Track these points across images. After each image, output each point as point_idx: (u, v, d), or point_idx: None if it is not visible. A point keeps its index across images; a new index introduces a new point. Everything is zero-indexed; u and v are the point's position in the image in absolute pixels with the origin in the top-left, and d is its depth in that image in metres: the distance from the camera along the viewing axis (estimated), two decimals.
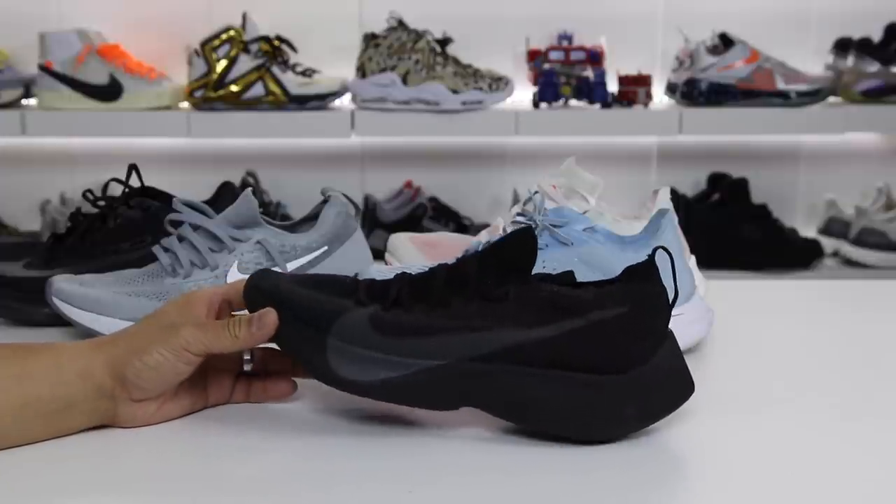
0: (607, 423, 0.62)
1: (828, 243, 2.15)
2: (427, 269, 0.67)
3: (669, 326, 0.64)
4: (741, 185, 2.14)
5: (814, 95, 2.03)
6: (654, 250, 0.64)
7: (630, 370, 0.62)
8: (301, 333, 0.63)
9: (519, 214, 0.80)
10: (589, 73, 2.02)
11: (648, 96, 2.04)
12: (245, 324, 0.63)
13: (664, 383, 0.63)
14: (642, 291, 0.63)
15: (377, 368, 0.62)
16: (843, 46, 2.13)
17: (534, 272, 0.76)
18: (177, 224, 0.84)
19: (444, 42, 2.02)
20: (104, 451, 0.62)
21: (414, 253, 0.91)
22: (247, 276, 0.67)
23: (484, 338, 0.61)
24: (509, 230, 0.78)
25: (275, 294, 0.64)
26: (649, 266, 0.64)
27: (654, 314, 0.63)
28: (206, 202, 0.88)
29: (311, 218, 0.88)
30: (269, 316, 0.63)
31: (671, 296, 0.63)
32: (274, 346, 0.66)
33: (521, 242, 0.63)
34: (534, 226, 0.78)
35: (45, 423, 0.62)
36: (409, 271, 0.80)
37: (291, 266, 0.83)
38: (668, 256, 0.64)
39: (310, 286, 0.65)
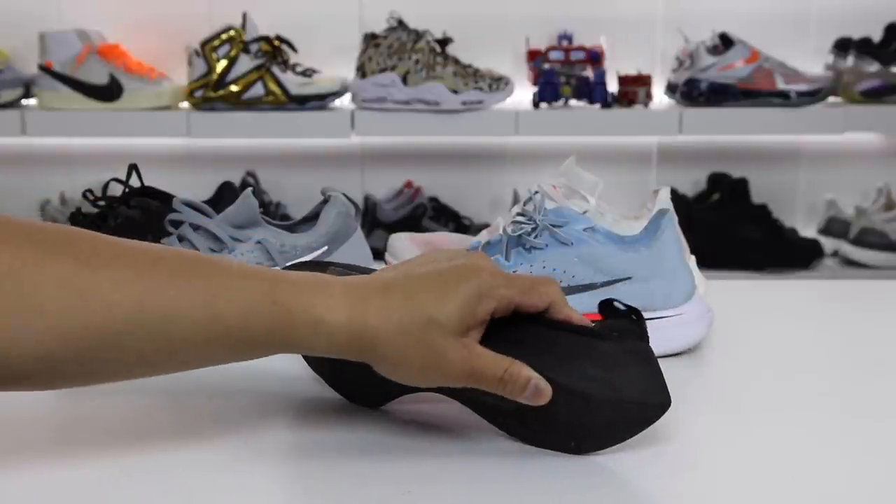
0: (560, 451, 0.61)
1: (828, 243, 2.15)
2: None
3: (647, 344, 0.60)
4: (741, 185, 2.14)
5: (814, 95, 2.03)
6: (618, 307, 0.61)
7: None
8: None
9: (519, 214, 0.80)
10: (589, 73, 2.02)
11: (648, 96, 2.04)
12: (520, 386, 0.58)
13: (607, 421, 0.59)
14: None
15: None
16: (843, 46, 2.13)
17: (533, 273, 0.76)
18: (177, 224, 0.84)
19: (444, 42, 2.02)
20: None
21: (414, 253, 0.91)
22: None
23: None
24: (509, 230, 0.78)
25: None
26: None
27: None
28: (206, 202, 0.88)
29: (311, 218, 0.88)
30: (547, 392, 0.58)
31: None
32: None
33: None
34: (534, 226, 0.78)
35: None
36: None
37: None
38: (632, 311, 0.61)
39: None
